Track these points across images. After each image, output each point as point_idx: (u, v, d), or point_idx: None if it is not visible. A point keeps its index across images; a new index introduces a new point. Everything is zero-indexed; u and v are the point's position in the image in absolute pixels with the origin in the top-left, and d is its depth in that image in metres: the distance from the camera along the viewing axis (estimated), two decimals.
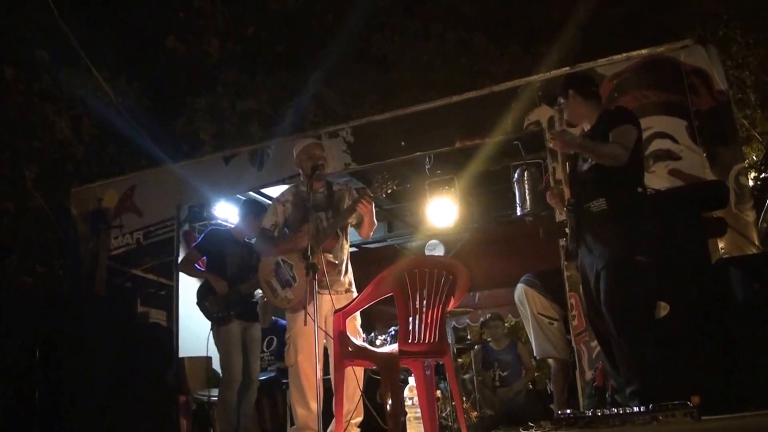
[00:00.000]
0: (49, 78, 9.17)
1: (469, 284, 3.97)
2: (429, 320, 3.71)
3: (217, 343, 5.40)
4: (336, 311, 3.98)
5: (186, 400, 6.07)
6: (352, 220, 4.55)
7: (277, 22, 10.39)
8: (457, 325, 8.88)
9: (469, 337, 8.19)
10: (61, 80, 9.12)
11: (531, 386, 7.27)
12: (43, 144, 9.06)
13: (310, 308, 4.16)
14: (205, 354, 5.66)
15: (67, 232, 6.97)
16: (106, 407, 5.86)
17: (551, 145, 4.06)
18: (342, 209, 4.54)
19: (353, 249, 7.65)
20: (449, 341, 7.03)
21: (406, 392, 4.68)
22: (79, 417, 5.84)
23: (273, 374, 6.12)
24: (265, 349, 6.26)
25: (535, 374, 7.73)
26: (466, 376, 6.57)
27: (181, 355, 6.16)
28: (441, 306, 3.78)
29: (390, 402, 3.58)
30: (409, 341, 3.64)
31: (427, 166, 6.12)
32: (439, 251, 7.52)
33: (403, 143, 5.85)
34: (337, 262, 4.46)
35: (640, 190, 3.83)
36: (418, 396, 4.07)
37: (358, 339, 4.38)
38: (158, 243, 6.55)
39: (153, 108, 10.16)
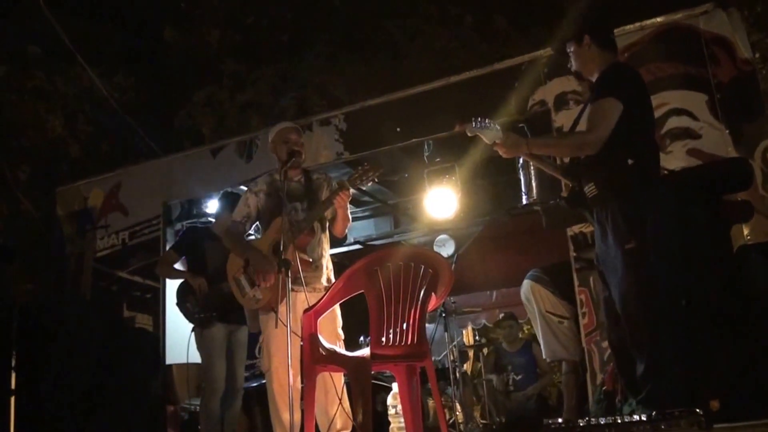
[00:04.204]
0: (42, 75, 8.93)
1: (453, 280, 3.58)
2: (406, 320, 3.31)
3: (199, 348, 5.04)
4: (305, 310, 3.56)
5: (174, 410, 5.75)
6: (328, 214, 4.14)
7: (279, 7, 10.01)
8: (474, 326, 8.45)
9: (477, 337, 7.72)
10: (54, 77, 8.91)
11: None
12: (36, 143, 8.84)
13: (280, 309, 3.75)
14: (185, 360, 5.27)
15: (53, 233, 6.69)
16: (89, 418, 5.59)
17: (501, 153, 3.48)
18: (319, 200, 4.13)
19: (357, 246, 7.31)
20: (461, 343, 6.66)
21: (390, 400, 4.28)
22: (61, 428, 5.58)
23: (264, 381, 5.72)
24: (258, 355, 5.87)
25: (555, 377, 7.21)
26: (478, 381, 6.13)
27: (169, 362, 5.85)
28: (419, 304, 3.38)
29: (361, 411, 3.18)
30: (383, 344, 3.26)
31: (426, 154, 5.70)
32: (449, 247, 7.08)
33: (398, 129, 5.47)
34: (311, 259, 4.02)
35: (631, 162, 3.23)
36: (402, 404, 3.69)
37: (339, 344, 3.95)
38: (144, 243, 6.24)
39: (150, 103, 9.86)
